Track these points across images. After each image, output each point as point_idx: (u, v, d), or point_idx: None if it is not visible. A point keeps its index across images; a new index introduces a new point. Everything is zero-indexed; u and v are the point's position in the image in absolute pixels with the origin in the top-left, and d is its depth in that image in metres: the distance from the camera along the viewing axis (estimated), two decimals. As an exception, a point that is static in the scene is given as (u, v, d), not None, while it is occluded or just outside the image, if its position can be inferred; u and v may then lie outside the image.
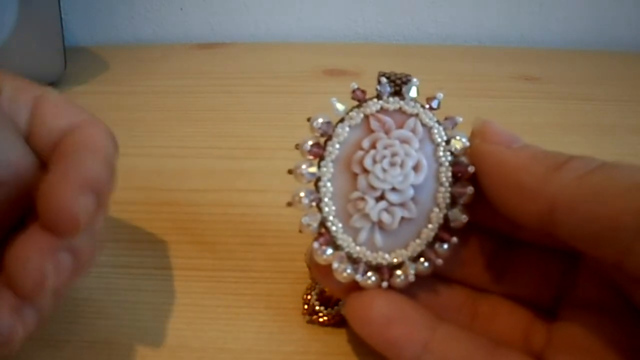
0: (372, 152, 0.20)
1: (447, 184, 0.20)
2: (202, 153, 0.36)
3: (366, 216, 0.20)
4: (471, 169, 0.20)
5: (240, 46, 0.53)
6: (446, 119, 0.21)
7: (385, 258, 0.20)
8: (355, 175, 0.20)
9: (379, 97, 0.20)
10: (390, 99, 0.20)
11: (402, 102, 0.20)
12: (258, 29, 0.56)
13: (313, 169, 0.20)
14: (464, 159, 0.20)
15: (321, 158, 0.20)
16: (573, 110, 0.41)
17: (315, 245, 0.20)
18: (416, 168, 0.20)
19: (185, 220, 0.29)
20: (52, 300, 0.19)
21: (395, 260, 0.20)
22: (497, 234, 0.22)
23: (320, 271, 0.20)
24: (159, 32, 0.56)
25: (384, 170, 0.19)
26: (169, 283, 0.25)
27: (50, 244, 0.17)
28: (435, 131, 0.20)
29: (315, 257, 0.20)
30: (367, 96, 0.21)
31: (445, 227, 0.20)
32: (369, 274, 0.20)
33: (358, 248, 0.20)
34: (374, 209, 0.20)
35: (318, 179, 0.20)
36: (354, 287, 0.20)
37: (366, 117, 0.20)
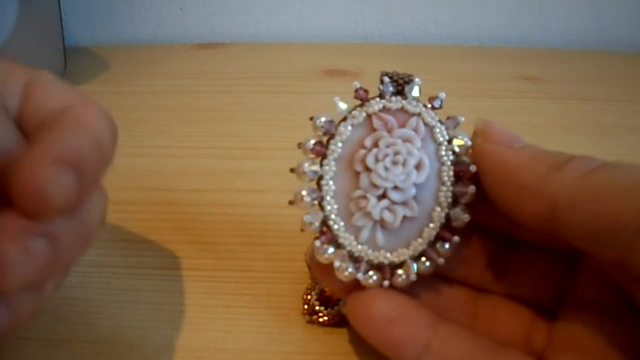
0: (375, 150, 0.20)
1: (449, 183, 0.20)
2: (202, 153, 0.35)
3: (368, 214, 0.20)
4: (473, 168, 0.20)
5: (240, 46, 0.53)
6: (448, 118, 0.21)
7: (386, 257, 0.20)
8: (358, 173, 0.20)
9: (381, 96, 0.20)
10: (393, 98, 0.20)
11: (404, 102, 0.20)
12: (258, 29, 0.56)
13: (315, 168, 0.20)
14: (465, 159, 0.20)
15: (323, 156, 0.20)
16: (573, 110, 0.41)
17: (317, 243, 0.20)
18: (418, 167, 0.20)
19: (185, 220, 0.29)
20: (31, 296, 0.17)
21: (396, 259, 0.20)
22: (497, 234, 0.22)
23: (321, 270, 0.20)
24: (159, 32, 0.56)
25: (386, 169, 0.19)
26: (169, 283, 0.25)
27: (19, 227, 0.15)
28: (438, 130, 0.20)
29: (317, 255, 0.20)
30: (370, 95, 0.21)
31: (447, 226, 0.20)
32: (371, 273, 0.20)
33: (360, 247, 0.20)
34: (375, 207, 0.20)
35: (320, 178, 0.20)
36: (355, 286, 0.20)
37: (369, 116, 0.20)
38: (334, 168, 0.20)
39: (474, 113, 0.21)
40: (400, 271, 0.20)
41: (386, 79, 0.20)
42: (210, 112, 0.41)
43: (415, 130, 0.20)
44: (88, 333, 0.23)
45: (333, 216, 0.20)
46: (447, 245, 0.20)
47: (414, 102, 0.20)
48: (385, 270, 0.20)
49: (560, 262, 0.21)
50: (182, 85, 0.45)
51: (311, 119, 0.20)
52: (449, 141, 0.20)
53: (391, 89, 0.20)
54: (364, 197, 0.20)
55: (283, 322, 0.23)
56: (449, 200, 0.20)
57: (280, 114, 0.40)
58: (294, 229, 0.21)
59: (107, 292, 0.25)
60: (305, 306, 0.23)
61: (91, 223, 0.18)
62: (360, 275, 0.20)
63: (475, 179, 0.20)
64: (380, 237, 0.20)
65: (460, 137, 0.20)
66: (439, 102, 0.21)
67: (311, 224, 0.20)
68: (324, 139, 0.20)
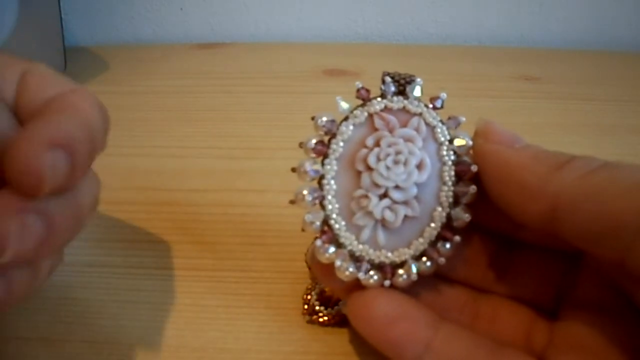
0: (376, 150, 0.20)
1: (450, 183, 0.20)
2: (202, 153, 0.35)
3: (369, 214, 0.20)
4: (474, 168, 0.20)
5: (240, 46, 0.53)
6: (449, 118, 0.21)
7: (387, 256, 0.20)
8: (359, 173, 0.20)
9: (383, 96, 0.20)
10: (395, 98, 0.20)
11: (406, 102, 0.20)
12: (258, 29, 0.56)
13: (317, 167, 0.20)
14: (466, 159, 0.20)
15: (325, 156, 0.20)
16: (573, 110, 0.41)
17: (318, 243, 0.20)
18: (419, 166, 0.20)
19: (185, 220, 0.29)
20: (26, 273, 0.18)
21: (397, 258, 0.20)
22: (498, 234, 0.22)
23: (322, 270, 0.20)
24: (159, 32, 0.56)
25: (388, 168, 0.19)
26: (169, 283, 0.25)
27: (15, 203, 0.16)
28: (439, 130, 0.20)
29: (318, 255, 0.20)
30: (371, 95, 0.21)
31: (448, 226, 0.20)
32: (372, 272, 0.20)
33: (361, 246, 0.20)
34: (377, 206, 0.20)
35: (321, 177, 0.20)
36: (356, 286, 0.20)
37: (370, 115, 0.20)
38: (335, 167, 0.20)
39: (474, 113, 0.21)
40: (401, 271, 0.20)
41: (388, 79, 0.20)
42: (210, 112, 0.41)
43: (417, 130, 0.20)
44: (88, 333, 0.23)
45: (334, 215, 0.20)
46: (448, 245, 0.20)
47: (416, 102, 0.20)
48: (386, 270, 0.20)
49: (560, 262, 0.21)
50: (182, 85, 0.45)
51: (313, 118, 0.20)
52: (450, 141, 0.20)
53: (393, 88, 0.20)
54: (366, 196, 0.20)
55: (283, 322, 0.23)
56: (450, 200, 0.20)
57: (280, 114, 0.40)
58: (294, 229, 0.21)
59: (107, 292, 0.25)
60: (305, 306, 0.23)
61: (84, 205, 0.19)
62: (361, 275, 0.20)
63: (476, 179, 0.20)
64: (381, 236, 0.20)
65: (461, 137, 0.20)
66: (440, 102, 0.21)
67: (312, 223, 0.20)
68: (326, 138, 0.20)
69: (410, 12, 0.55)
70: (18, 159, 0.16)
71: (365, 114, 0.20)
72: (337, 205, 0.20)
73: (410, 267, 0.20)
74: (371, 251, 0.20)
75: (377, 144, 0.20)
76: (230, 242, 0.28)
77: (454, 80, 0.46)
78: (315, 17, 0.55)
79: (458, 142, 0.20)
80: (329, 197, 0.20)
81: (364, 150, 0.20)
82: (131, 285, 0.25)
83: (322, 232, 0.20)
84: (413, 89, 0.20)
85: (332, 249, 0.20)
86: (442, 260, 0.20)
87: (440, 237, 0.20)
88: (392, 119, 0.20)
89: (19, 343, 0.22)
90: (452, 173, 0.20)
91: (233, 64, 0.50)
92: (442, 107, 0.21)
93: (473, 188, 0.20)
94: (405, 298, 0.20)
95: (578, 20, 0.54)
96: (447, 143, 0.20)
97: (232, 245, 0.28)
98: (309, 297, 0.23)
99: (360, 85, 0.21)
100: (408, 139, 0.20)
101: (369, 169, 0.20)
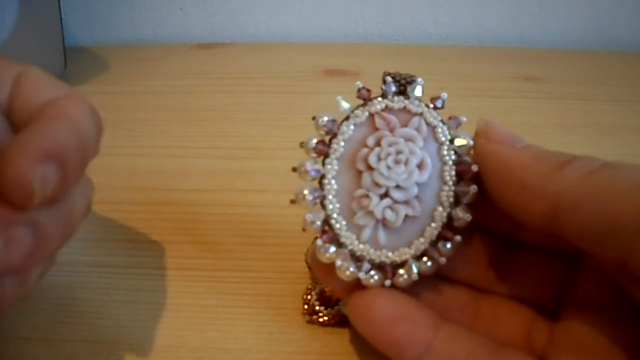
0: (377, 149, 0.20)
1: (451, 183, 0.20)
2: (202, 153, 0.35)
3: (370, 213, 0.20)
4: (475, 167, 0.20)
5: (240, 46, 0.53)
6: (450, 118, 0.21)
7: (388, 256, 0.20)
8: (360, 172, 0.20)
9: (383, 96, 0.20)
10: (395, 98, 0.20)
11: (406, 101, 0.20)
12: (258, 29, 0.56)
13: (318, 166, 0.20)
14: (467, 158, 0.20)
15: (326, 156, 0.20)
16: (573, 110, 0.41)
17: (319, 242, 0.20)
18: (420, 166, 0.20)
19: (185, 220, 0.29)
20: (15, 282, 0.18)
21: (398, 258, 0.20)
22: (498, 234, 0.22)
23: (322, 270, 0.20)
24: (159, 32, 0.56)
25: (389, 168, 0.19)
26: (169, 283, 0.25)
27: (5, 215, 0.16)
28: (440, 130, 0.20)
29: (318, 255, 0.20)
30: (372, 95, 0.21)
31: (449, 225, 0.20)
32: (372, 272, 0.20)
33: (361, 246, 0.20)
34: (378, 206, 0.20)
35: (322, 177, 0.20)
36: (356, 286, 0.20)
37: (371, 115, 0.20)
38: (336, 167, 0.20)
39: (474, 113, 0.21)
40: (402, 271, 0.20)
41: (389, 79, 0.20)
42: (210, 112, 0.41)
43: (418, 129, 0.20)
44: (88, 333, 0.23)
45: (335, 215, 0.20)
46: (448, 245, 0.20)
47: (416, 102, 0.20)
48: (387, 269, 0.20)
49: (560, 262, 0.21)
50: (182, 85, 0.45)
51: (314, 118, 0.20)
52: (451, 141, 0.20)
53: (394, 88, 0.20)
54: (366, 196, 0.20)
55: (283, 322, 0.23)
56: (451, 199, 0.20)
57: (280, 114, 0.40)
58: (294, 229, 0.21)
59: (107, 292, 0.25)
60: (305, 306, 0.23)
61: (76, 211, 0.19)
62: (361, 275, 0.20)
63: (476, 178, 0.20)
64: (382, 236, 0.20)
65: (462, 137, 0.20)
66: (441, 102, 0.21)
67: (313, 223, 0.20)
68: (327, 138, 0.20)
69: (410, 12, 0.55)
70: (7, 172, 0.16)
71: (366, 113, 0.20)
72: (337, 205, 0.20)
73: (411, 267, 0.20)
74: (372, 251, 0.20)
75: (378, 143, 0.20)
76: (230, 242, 0.28)
77: (454, 80, 0.46)
78: (315, 17, 0.55)
79: (459, 142, 0.20)
80: (330, 196, 0.20)
81: (365, 150, 0.20)
82: (131, 285, 0.25)
83: (323, 231, 0.20)
84: (414, 88, 0.20)
85: (332, 249, 0.20)
86: (442, 260, 0.20)
87: (441, 237, 0.20)
88: (392, 118, 0.20)
89: (19, 343, 0.22)
90: (453, 173, 0.20)
91: (233, 64, 0.50)
92: (442, 107, 0.21)
93: (474, 188, 0.20)
94: (406, 298, 0.20)
95: (578, 20, 0.54)
96: (447, 143, 0.20)
97: (232, 245, 0.28)
98: (309, 297, 0.23)
99: (361, 85, 0.21)
100: (409, 139, 0.20)
101: (370, 168, 0.20)
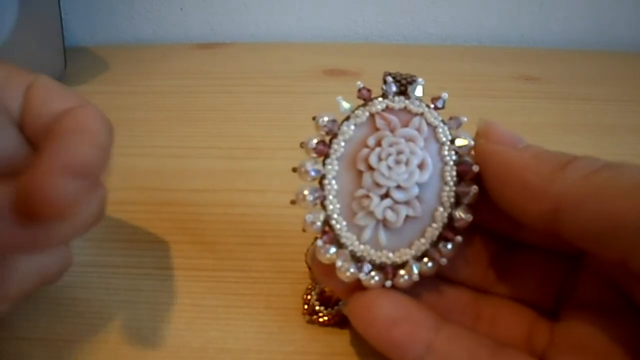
0: (378, 149, 0.20)
1: (451, 183, 0.20)
2: (202, 153, 0.35)
3: (371, 214, 0.20)
4: (475, 168, 0.20)
5: (240, 46, 0.53)
6: (451, 118, 0.21)
7: (389, 257, 0.20)
8: (360, 173, 0.20)
9: (384, 96, 0.20)
10: (396, 98, 0.20)
11: (407, 102, 0.20)
12: (258, 29, 0.56)
13: (318, 167, 0.20)
14: (468, 159, 0.20)
15: (326, 156, 0.20)
16: (573, 110, 0.41)
17: (319, 243, 0.20)
18: (421, 166, 0.20)
19: (185, 220, 0.29)
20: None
21: (399, 259, 0.20)
22: (499, 235, 0.22)
23: (322, 270, 0.20)
24: (159, 32, 0.56)
25: (389, 168, 0.19)
26: (169, 283, 0.25)
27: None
28: (440, 130, 0.20)
29: (319, 255, 0.20)
30: (373, 95, 0.21)
31: (450, 226, 0.20)
32: (373, 273, 0.20)
33: (362, 246, 0.20)
34: (378, 206, 0.20)
35: (322, 177, 0.20)
36: (357, 286, 0.20)
37: (372, 115, 0.20)
38: (336, 167, 0.20)
39: (474, 113, 0.21)
40: (402, 271, 0.20)
41: (389, 79, 0.20)
42: (210, 112, 0.41)
43: (418, 129, 0.20)
44: (88, 333, 0.23)
45: (335, 215, 0.20)
46: (449, 246, 0.20)
47: (417, 102, 0.20)
48: (388, 270, 0.20)
49: (561, 262, 0.21)
50: (182, 85, 0.45)
51: (314, 118, 0.20)
52: (452, 141, 0.20)
53: (394, 88, 0.20)
54: (367, 196, 0.20)
55: (283, 322, 0.23)
56: (452, 200, 0.20)
57: (280, 114, 0.40)
58: (294, 229, 0.21)
59: (107, 292, 0.25)
60: (305, 306, 0.23)
61: (88, 217, 0.20)
62: (362, 276, 0.20)
63: (477, 179, 0.20)
64: (382, 236, 0.20)
65: (462, 137, 0.20)
66: (442, 102, 0.21)
67: (313, 223, 0.20)
68: (327, 138, 0.20)
69: (410, 12, 0.55)
70: (38, 192, 0.16)
71: (367, 113, 0.20)
72: (338, 205, 0.20)
73: (411, 268, 0.20)
74: (372, 251, 0.20)
75: (378, 143, 0.20)
76: (230, 242, 0.28)
77: (454, 80, 0.46)
78: (315, 17, 0.55)
79: (459, 142, 0.20)
80: (330, 197, 0.20)
81: (366, 150, 0.20)
82: (131, 285, 0.25)
83: (323, 232, 0.20)
84: (414, 89, 0.20)
85: (333, 250, 0.20)
86: (443, 260, 0.20)
87: (442, 238, 0.20)
88: (393, 118, 0.20)
89: (19, 343, 0.22)
90: (454, 173, 0.20)
91: (233, 64, 0.50)
92: (443, 107, 0.21)
93: (474, 188, 0.20)
94: (407, 299, 0.20)
95: (578, 20, 0.54)
96: (448, 143, 0.20)
97: (232, 245, 0.27)
98: (309, 297, 0.23)
99: (361, 85, 0.21)
100: (409, 139, 0.20)
101: (371, 168, 0.20)
